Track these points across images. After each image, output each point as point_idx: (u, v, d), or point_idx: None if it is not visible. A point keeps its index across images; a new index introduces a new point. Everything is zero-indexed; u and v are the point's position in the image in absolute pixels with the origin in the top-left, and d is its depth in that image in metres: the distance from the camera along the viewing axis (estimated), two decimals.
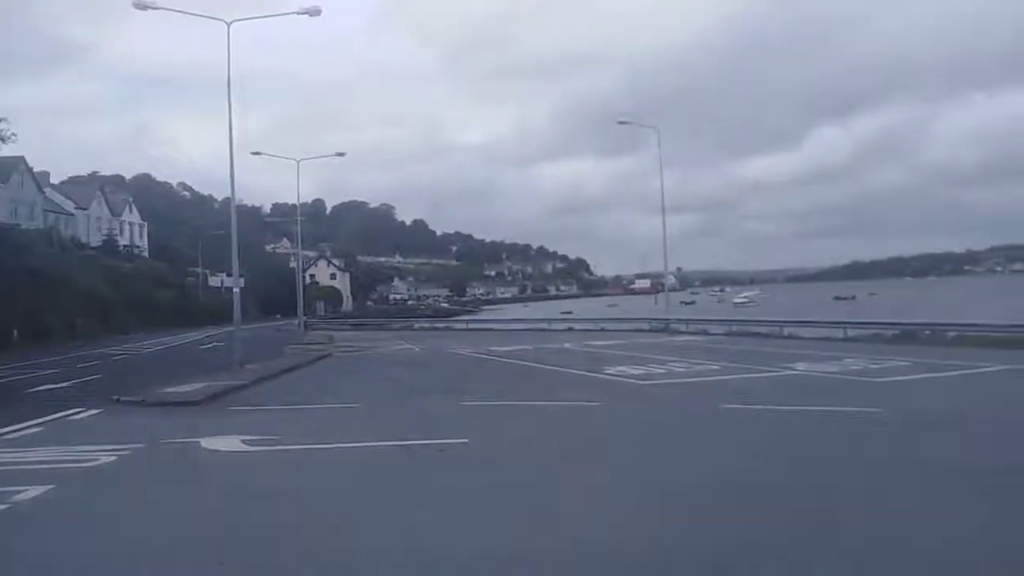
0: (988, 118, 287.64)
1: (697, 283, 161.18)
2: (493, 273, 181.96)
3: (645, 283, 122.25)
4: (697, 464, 7.86)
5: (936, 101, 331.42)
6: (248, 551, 5.19)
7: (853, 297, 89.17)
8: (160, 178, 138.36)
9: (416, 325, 53.32)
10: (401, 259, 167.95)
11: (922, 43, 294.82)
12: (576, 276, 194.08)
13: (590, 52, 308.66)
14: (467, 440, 9.17)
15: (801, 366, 17.58)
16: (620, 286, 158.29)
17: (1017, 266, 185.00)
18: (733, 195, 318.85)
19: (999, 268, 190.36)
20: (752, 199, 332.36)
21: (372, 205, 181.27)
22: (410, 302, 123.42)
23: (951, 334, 23.29)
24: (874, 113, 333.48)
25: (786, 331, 28.48)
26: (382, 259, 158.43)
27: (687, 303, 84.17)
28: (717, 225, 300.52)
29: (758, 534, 5.33)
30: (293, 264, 67.74)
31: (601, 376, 16.92)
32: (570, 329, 38.33)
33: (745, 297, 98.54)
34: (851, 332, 26.21)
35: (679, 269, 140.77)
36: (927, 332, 24.08)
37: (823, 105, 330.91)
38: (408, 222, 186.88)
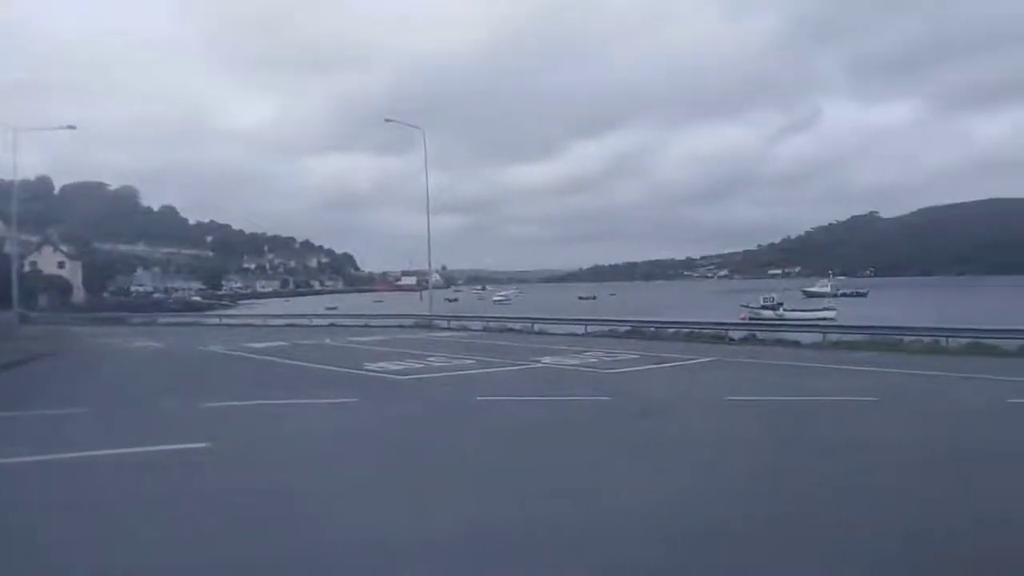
0: (708, 145, 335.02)
1: (461, 281, 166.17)
2: (253, 266, 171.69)
3: (411, 280, 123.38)
4: (447, 453, 8.33)
5: (669, 127, 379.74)
6: None
7: (594, 297, 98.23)
8: None
9: (161, 320, 48.67)
10: (147, 248, 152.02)
11: (661, 74, 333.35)
12: (342, 272, 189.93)
13: (366, 47, 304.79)
14: (210, 444, 8.68)
15: (548, 359, 19.03)
16: (387, 283, 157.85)
17: (723, 273, 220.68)
18: (497, 199, 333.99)
19: (710, 274, 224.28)
20: (514, 203, 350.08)
21: (113, 187, 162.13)
22: (156, 295, 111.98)
23: (671, 330, 26.64)
24: (620, 133, 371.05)
25: (537, 327, 30.58)
26: (123, 247, 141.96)
27: (451, 300, 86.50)
28: (481, 227, 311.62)
29: (504, 510, 5.92)
30: (8, 249, 58.39)
31: (360, 372, 16.91)
32: (332, 325, 37.54)
33: (503, 295, 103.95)
34: (591, 328, 28.76)
35: (444, 267, 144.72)
36: (652, 329, 27.29)
37: (579, 121, 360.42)
38: (155, 208, 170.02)
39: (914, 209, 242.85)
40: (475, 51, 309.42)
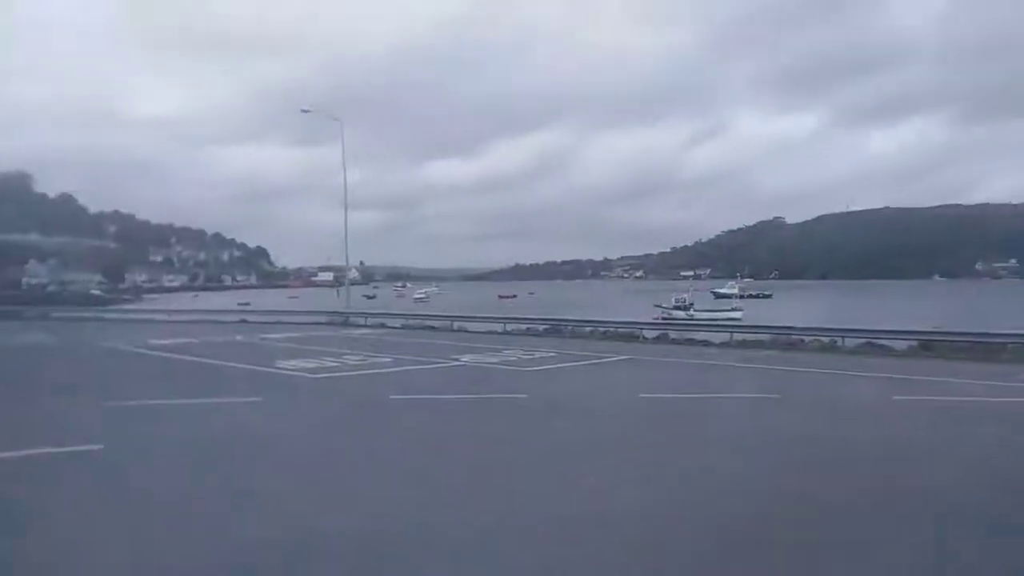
0: (626, 149, 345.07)
1: (380, 278, 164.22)
2: (160, 259, 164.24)
3: (328, 276, 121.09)
4: (354, 454, 8.17)
5: (589, 130, 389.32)
6: None
7: (514, 296, 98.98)
8: None
9: (56, 314, 45.83)
10: (41, 237, 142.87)
11: (582, 78, 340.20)
12: (256, 266, 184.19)
13: (284, 36, 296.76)
14: (102, 447, 8.20)
15: (467, 358, 18.99)
16: (303, 278, 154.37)
17: (638, 274, 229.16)
18: (418, 195, 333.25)
19: (626, 275, 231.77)
20: (435, 200, 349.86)
21: (2, 171, 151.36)
22: (51, 288, 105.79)
23: (588, 329, 27.10)
24: (542, 134, 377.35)
25: (456, 325, 30.47)
26: (14, 237, 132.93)
27: (369, 297, 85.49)
28: (401, 223, 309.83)
29: (405, 514, 5.79)
30: None
31: (272, 370, 16.38)
32: (243, 321, 36.27)
33: (424, 293, 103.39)
34: (510, 327, 28.91)
35: (362, 263, 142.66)
36: (570, 327, 27.65)
37: (502, 122, 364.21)
38: (52, 195, 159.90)
39: (815, 215, 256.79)
40: (398, 46, 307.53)
